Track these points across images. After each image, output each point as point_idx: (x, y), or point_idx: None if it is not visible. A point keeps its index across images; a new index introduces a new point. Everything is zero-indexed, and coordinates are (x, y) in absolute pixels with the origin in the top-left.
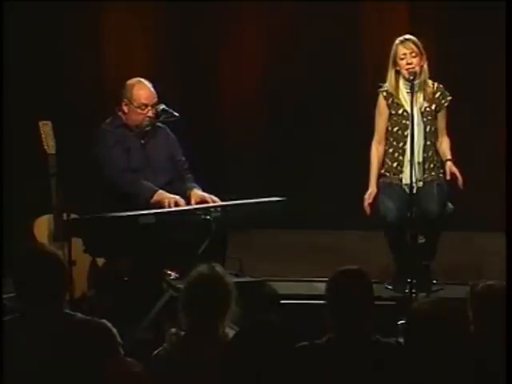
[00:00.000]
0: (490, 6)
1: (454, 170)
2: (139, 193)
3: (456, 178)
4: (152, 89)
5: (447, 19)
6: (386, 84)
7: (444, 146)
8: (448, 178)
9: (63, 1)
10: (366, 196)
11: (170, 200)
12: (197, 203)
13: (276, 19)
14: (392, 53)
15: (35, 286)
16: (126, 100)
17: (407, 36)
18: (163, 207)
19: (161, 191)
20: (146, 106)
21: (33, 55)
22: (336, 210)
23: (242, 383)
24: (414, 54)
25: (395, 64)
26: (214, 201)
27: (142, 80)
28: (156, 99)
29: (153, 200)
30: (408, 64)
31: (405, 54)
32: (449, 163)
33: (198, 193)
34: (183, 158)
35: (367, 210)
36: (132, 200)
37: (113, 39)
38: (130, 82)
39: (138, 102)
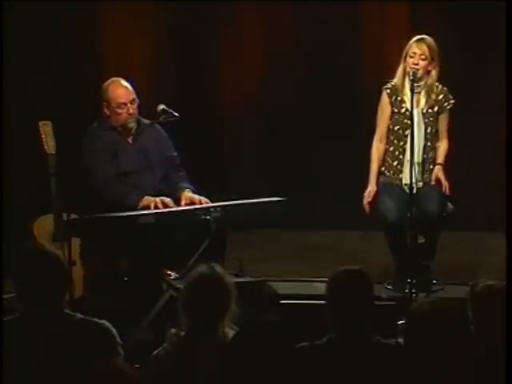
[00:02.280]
0: (490, 5)
1: (440, 175)
2: (125, 201)
3: (441, 183)
4: (128, 86)
5: (447, 19)
6: (395, 80)
7: (441, 149)
8: (433, 182)
9: (63, 1)
10: (366, 194)
11: (156, 201)
12: (186, 205)
13: (276, 19)
14: (406, 48)
15: (35, 286)
16: (105, 102)
17: (425, 36)
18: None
19: (146, 197)
20: (125, 104)
21: (33, 55)
22: (336, 209)
23: (242, 383)
24: (423, 57)
25: (405, 60)
26: (202, 203)
27: (116, 79)
28: (133, 96)
29: (139, 206)
30: (414, 64)
31: (414, 53)
32: (437, 167)
33: (187, 194)
34: (174, 154)
35: (366, 208)
36: (120, 207)
37: (113, 39)
38: (105, 84)
39: (116, 101)
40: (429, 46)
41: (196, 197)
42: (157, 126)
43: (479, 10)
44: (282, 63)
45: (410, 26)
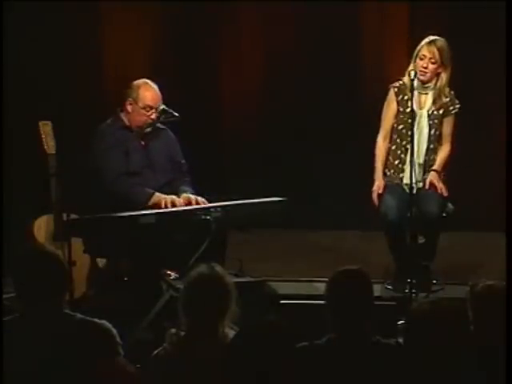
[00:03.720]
0: (490, 5)
1: (433, 181)
2: (135, 197)
3: (435, 187)
4: (158, 91)
5: (448, 19)
6: (404, 78)
7: (441, 154)
8: (426, 187)
9: (63, 1)
10: (375, 188)
11: (166, 200)
12: (185, 205)
13: (276, 19)
14: (417, 48)
15: (35, 286)
16: (131, 99)
17: (437, 38)
18: (160, 208)
19: (157, 194)
20: (151, 107)
21: (33, 55)
22: (336, 209)
23: (242, 383)
24: (433, 60)
25: (415, 60)
26: (198, 202)
27: (149, 81)
28: (161, 102)
29: (150, 203)
30: (423, 67)
31: (424, 56)
32: (431, 173)
33: (184, 195)
34: (183, 161)
35: (376, 201)
36: (129, 203)
37: (113, 39)
38: (136, 82)
39: (144, 103)
40: (439, 49)
41: (192, 196)
42: (168, 130)
43: (479, 10)
44: (282, 63)
45: (410, 26)
